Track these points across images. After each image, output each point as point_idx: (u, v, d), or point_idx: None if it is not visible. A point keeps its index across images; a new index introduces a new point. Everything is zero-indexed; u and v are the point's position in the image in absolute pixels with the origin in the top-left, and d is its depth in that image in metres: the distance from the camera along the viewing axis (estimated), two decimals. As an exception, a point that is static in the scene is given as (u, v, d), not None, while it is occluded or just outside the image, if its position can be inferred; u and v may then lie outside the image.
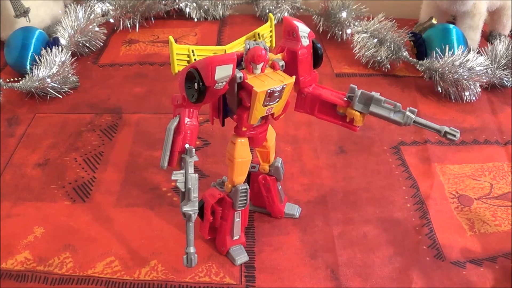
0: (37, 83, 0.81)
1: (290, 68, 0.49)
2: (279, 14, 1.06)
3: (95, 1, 1.00)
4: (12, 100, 0.83)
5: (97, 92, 0.86)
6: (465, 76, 0.81)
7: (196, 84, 0.44)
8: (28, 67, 0.85)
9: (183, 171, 0.47)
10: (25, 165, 0.70)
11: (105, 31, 1.00)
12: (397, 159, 0.71)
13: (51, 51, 0.84)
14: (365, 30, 0.93)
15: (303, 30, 0.48)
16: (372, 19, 0.94)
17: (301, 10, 1.09)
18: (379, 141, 0.75)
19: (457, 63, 0.82)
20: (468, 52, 0.84)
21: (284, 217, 0.61)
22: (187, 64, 0.48)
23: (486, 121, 0.80)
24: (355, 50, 0.93)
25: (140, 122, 0.79)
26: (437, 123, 0.48)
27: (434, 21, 0.95)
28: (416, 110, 0.48)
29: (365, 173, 0.69)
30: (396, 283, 0.54)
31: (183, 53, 0.48)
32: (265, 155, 0.57)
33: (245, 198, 0.53)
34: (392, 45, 0.90)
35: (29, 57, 0.85)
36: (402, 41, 0.91)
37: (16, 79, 0.85)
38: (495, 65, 0.85)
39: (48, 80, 0.82)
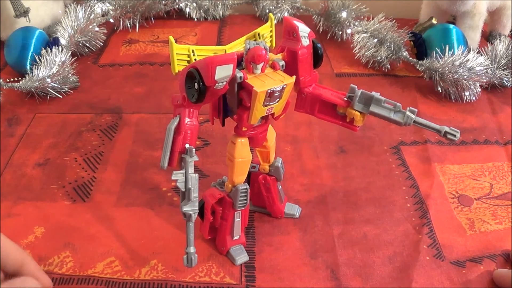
0: (37, 83, 0.81)
1: (290, 68, 0.49)
2: (279, 14, 1.06)
3: (95, 1, 1.00)
4: (12, 100, 0.83)
5: (97, 92, 0.86)
6: (465, 76, 0.81)
7: (196, 84, 0.44)
8: (28, 67, 0.85)
9: (183, 171, 0.47)
10: (25, 165, 0.70)
11: (105, 31, 1.00)
12: (397, 159, 0.71)
13: (51, 51, 0.84)
14: (365, 30, 0.93)
15: (303, 30, 0.48)
16: (372, 19, 0.94)
17: (301, 10, 1.09)
18: (379, 141, 0.75)
19: (457, 63, 0.82)
20: (468, 52, 0.84)
21: (284, 217, 0.61)
22: (187, 64, 0.48)
23: (486, 121, 0.80)
24: (355, 50, 0.94)
25: (140, 122, 0.79)
26: (437, 123, 0.48)
27: (434, 21, 0.95)
28: (416, 110, 0.48)
29: (365, 173, 0.69)
30: (396, 282, 0.54)
31: (183, 53, 0.48)
32: (265, 155, 0.57)
33: (245, 198, 0.53)
34: (392, 45, 0.91)
35: (29, 57, 0.85)
36: (402, 41, 0.91)
37: (16, 79, 0.85)
38: (495, 65, 0.85)
39: (48, 80, 0.82)
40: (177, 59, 0.47)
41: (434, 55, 0.86)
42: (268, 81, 0.46)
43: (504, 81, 0.86)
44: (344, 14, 0.99)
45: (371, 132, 0.76)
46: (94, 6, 0.98)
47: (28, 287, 0.42)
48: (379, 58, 0.91)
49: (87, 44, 0.96)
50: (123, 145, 0.74)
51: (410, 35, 0.93)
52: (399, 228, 0.60)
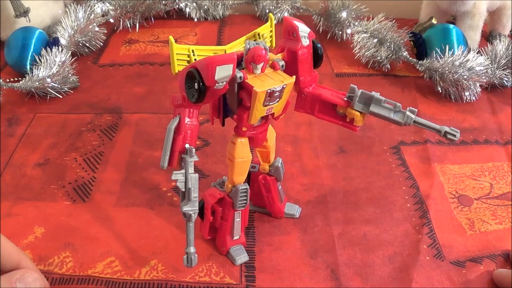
0: (37, 83, 0.81)
1: (290, 68, 0.49)
2: (279, 14, 1.06)
3: (95, 1, 1.00)
4: (12, 100, 0.83)
5: (97, 92, 0.86)
6: (465, 76, 0.81)
7: (196, 84, 0.45)
8: (28, 67, 0.85)
9: (183, 171, 0.47)
10: (25, 165, 0.70)
11: (105, 31, 1.00)
12: (397, 159, 0.71)
13: (51, 51, 0.84)
14: (365, 30, 0.93)
15: (303, 30, 0.48)
16: (372, 19, 0.94)
17: (301, 10, 1.09)
18: (379, 141, 0.75)
19: (457, 63, 0.82)
20: (468, 52, 0.84)
21: (284, 217, 0.61)
22: (187, 64, 0.48)
23: (486, 121, 0.80)
24: (355, 50, 0.94)
25: (140, 122, 0.79)
26: (437, 123, 0.48)
27: (434, 21, 0.95)
28: (416, 110, 0.48)
29: (365, 173, 0.69)
30: (396, 282, 0.54)
31: (183, 53, 0.48)
32: (265, 155, 0.57)
33: (245, 198, 0.53)
34: (392, 45, 0.90)
35: (29, 57, 0.85)
36: (402, 41, 0.91)
37: (16, 79, 0.85)
38: (495, 65, 0.85)
39: (48, 80, 0.82)
40: (177, 59, 0.47)
41: (434, 55, 0.86)
42: (268, 81, 0.46)
43: (504, 81, 0.86)
44: (344, 14, 0.99)
45: (371, 132, 0.76)
46: (94, 6, 0.98)
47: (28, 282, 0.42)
48: (379, 58, 0.91)
49: (87, 44, 0.96)
50: (123, 145, 0.74)
51: (410, 35, 0.93)
52: (399, 228, 0.60)
